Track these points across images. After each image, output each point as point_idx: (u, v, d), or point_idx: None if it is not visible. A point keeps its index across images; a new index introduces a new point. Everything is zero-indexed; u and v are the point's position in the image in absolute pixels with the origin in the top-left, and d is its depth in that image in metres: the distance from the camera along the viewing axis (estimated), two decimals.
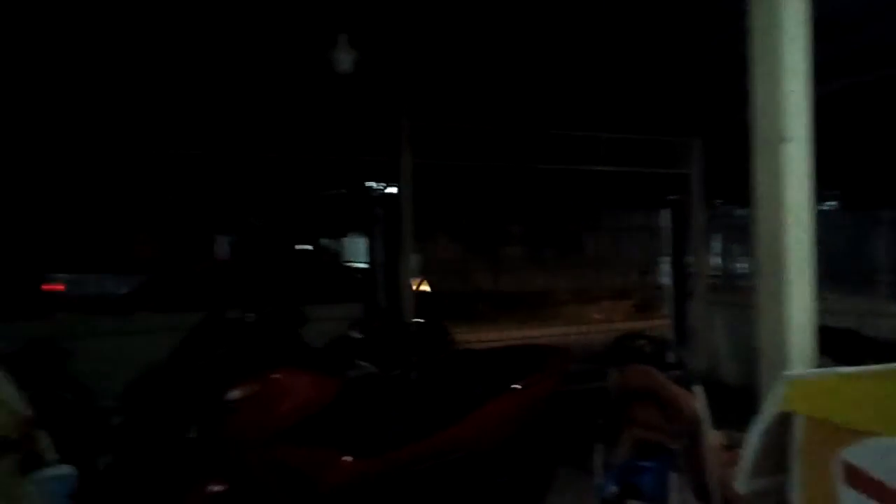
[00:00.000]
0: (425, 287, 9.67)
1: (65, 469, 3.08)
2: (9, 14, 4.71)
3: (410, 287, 7.24)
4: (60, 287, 8.17)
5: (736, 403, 2.85)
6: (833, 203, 10.36)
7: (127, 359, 5.06)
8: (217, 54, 5.78)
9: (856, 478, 2.04)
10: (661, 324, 9.54)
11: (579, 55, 6.11)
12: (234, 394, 3.72)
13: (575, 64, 6.36)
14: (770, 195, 2.92)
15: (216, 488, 3.57)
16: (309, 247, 10.27)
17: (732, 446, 2.99)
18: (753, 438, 2.40)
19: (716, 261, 10.35)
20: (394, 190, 8.07)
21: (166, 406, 3.85)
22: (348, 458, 3.91)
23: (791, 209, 2.86)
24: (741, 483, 2.43)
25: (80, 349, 4.98)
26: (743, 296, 8.27)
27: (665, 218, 9.75)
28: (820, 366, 2.64)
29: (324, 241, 11.37)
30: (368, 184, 8.80)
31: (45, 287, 7.99)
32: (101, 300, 6.89)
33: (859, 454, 2.03)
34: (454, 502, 4.35)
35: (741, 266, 9.77)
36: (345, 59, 5.19)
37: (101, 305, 6.60)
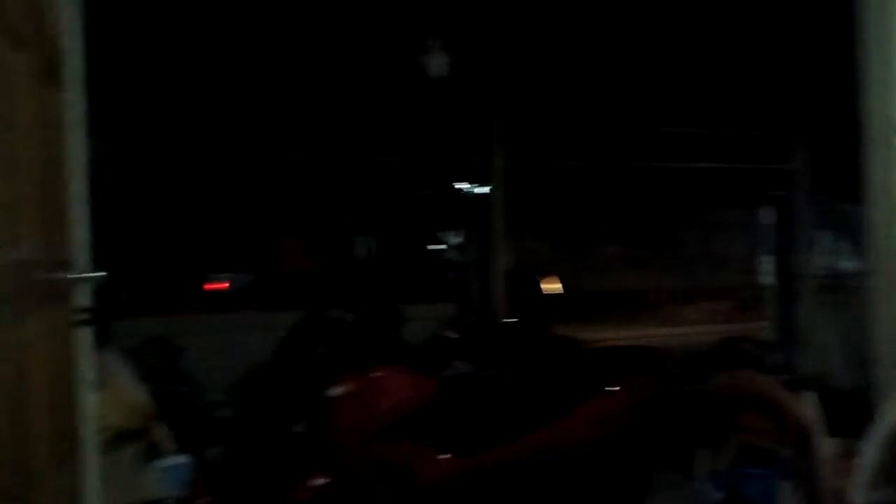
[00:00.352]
0: (556, 286, 9.50)
1: (182, 459, 3.25)
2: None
3: (503, 287, 7.24)
4: (224, 285, 8.51)
5: (848, 409, 2.71)
6: None
7: (234, 355, 5.32)
8: (319, 63, 5.97)
9: None
10: (763, 325, 9.14)
11: (677, 48, 5.95)
12: (336, 391, 3.84)
13: (673, 57, 6.20)
14: (883, 189, 2.75)
15: (320, 481, 3.70)
16: (433, 247, 10.37)
17: (847, 455, 2.85)
18: (872, 447, 2.28)
19: (822, 259, 9.84)
20: (486, 190, 8.10)
21: (273, 401, 4.01)
22: (445, 456, 3.97)
23: None
24: (859, 495, 2.31)
25: (192, 345, 5.24)
26: (853, 296, 7.83)
27: (767, 215, 9.34)
28: None
29: (420, 242, 11.54)
30: (461, 184, 8.86)
31: (208, 286, 8.39)
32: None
33: None
34: (548, 503, 4.34)
35: (850, 264, 9.24)
36: (438, 64, 5.26)
37: (213, 304, 6.94)
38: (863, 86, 2.78)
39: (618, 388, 4.44)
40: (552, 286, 8.75)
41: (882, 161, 2.73)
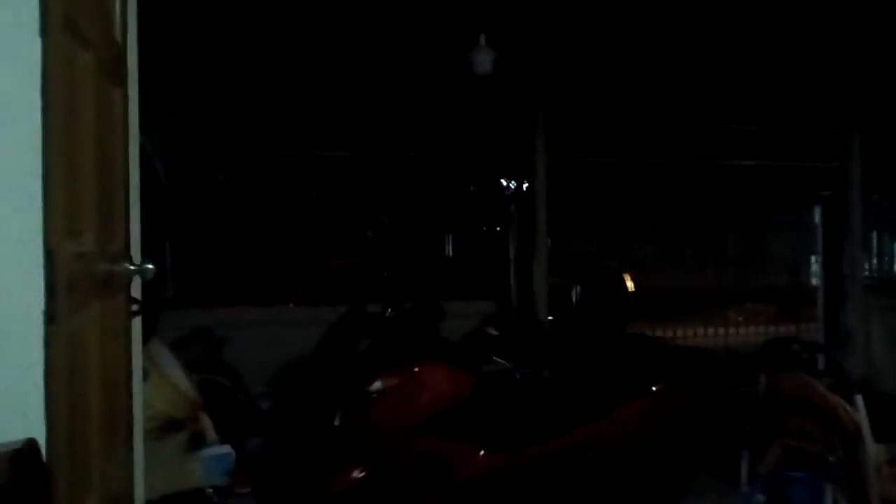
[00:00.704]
0: (630, 284, 9.50)
1: (224, 448, 3.32)
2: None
3: (544, 284, 7.21)
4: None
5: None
6: None
7: (276, 348, 5.41)
8: (366, 60, 6.03)
9: None
10: (810, 327, 8.92)
11: (727, 44, 5.85)
12: (376, 385, 3.88)
13: (721, 52, 6.10)
14: None
15: (358, 473, 3.75)
16: (475, 243, 10.41)
17: (895, 461, 2.79)
18: None
19: (873, 261, 9.58)
20: (528, 186, 8.06)
21: (313, 395, 4.07)
22: (483, 452, 3.98)
23: None
24: None
25: (236, 338, 5.34)
26: None
27: (817, 215, 9.11)
28: None
29: (463, 238, 11.54)
30: (503, 180, 8.85)
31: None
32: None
33: None
34: (586, 501, 4.32)
35: None
36: (484, 60, 5.27)
37: (255, 297, 7.05)
38: None
39: (659, 388, 4.39)
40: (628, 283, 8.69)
41: None
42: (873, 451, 2.70)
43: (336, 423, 3.86)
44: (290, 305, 7.16)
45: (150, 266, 2.05)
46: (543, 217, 7.47)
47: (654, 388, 4.39)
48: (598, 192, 9.58)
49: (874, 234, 9.67)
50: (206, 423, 3.39)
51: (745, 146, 8.38)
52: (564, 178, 8.15)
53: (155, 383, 3.05)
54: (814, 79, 6.95)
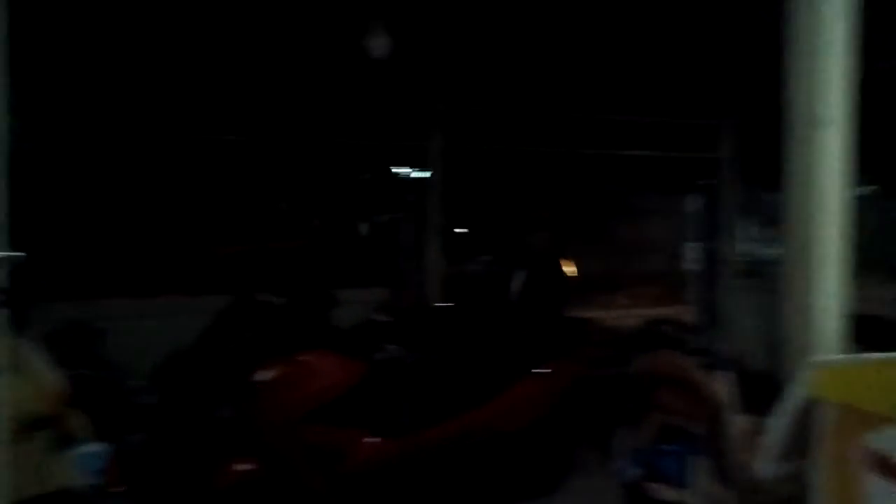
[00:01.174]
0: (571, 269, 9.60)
1: (97, 446, 3.17)
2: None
3: (438, 271, 7.27)
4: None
5: (762, 389, 2.83)
6: (874, 187, 10.14)
7: (156, 340, 5.19)
8: (257, 42, 5.83)
9: (879, 463, 2.02)
10: (688, 309, 9.45)
11: (612, 37, 6.03)
12: (263, 375, 3.80)
13: (608, 46, 6.29)
14: (802, 180, 2.85)
15: (245, 467, 3.66)
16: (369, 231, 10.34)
17: (756, 432, 2.98)
18: (777, 423, 2.40)
19: (746, 246, 10.20)
20: (424, 174, 8.08)
21: (197, 386, 3.94)
22: (374, 439, 3.98)
23: (823, 195, 2.80)
24: (764, 467, 2.43)
25: (113, 330, 5.09)
26: (771, 282, 8.16)
27: (695, 202, 9.64)
28: (849, 353, 2.61)
29: (356, 225, 11.45)
30: (399, 168, 8.82)
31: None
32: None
33: (884, 440, 2.02)
34: (478, 484, 4.41)
35: (771, 252, 9.61)
36: (380, 45, 5.19)
37: (134, 288, 6.73)
38: (788, 79, 2.85)
39: (546, 370, 4.53)
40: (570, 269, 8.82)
41: (802, 153, 2.82)
42: (736, 423, 2.88)
43: (221, 415, 3.75)
44: (174, 295, 6.88)
45: (16, 254, 1.92)
46: (438, 204, 7.53)
47: (541, 370, 4.52)
48: (494, 181, 9.73)
49: (751, 222, 10.27)
50: (78, 420, 3.21)
51: (632, 136, 8.72)
52: (461, 166, 8.23)
53: (20, 379, 2.86)
54: (693, 72, 7.29)
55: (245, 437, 3.75)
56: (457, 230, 8.93)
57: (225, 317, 4.28)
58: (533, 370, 4.53)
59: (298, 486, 3.82)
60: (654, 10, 5.40)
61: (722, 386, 2.90)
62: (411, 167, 8.65)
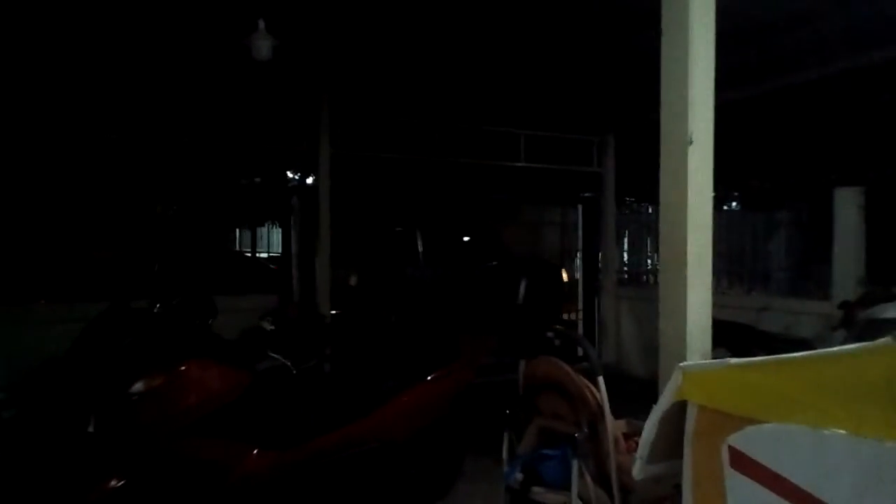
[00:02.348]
0: (565, 276, 9.83)
1: None
2: None
3: (327, 278, 7.17)
4: None
5: (641, 394, 2.97)
6: (734, 204, 10.89)
7: (22, 350, 4.84)
8: (135, 39, 5.57)
9: (740, 461, 2.16)
10: (573, 317, 9.81)
11: (500, 53, 6.19)
12: (139, 386, 3.61)
13: (496, 61, 6.44)
14: (674, 194, 3.05)
15: (116, 483, 3.46)
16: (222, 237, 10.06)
17: (633, 434, 3.12)
18: (650, 426, 2.51)
19: (626, 257, 10.70)
20: (312, 180, 7.97)
21: (64, 399, 3.69)
22: (256, 451, 3.86)
23: (692, 208, 3.00)
24: (637, 469, 2.54)
25: None
26: (649, 291, 8.58)
27: (578, 214, 10.02)
28: (716, 357, 2.77)
29: (239, 232, 11.13)
30: (286, 174, 8.65)
31: None
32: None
33: (743, 440, 2.16)
34: (367, 492, 4.37)
35: (650, 262, 10.14)
36: (263, 46, 5.07)
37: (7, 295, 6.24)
38: (662, 99, 3.06)
39: (434, 378, 4.55)
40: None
41: (675, 168, 3.02)
42: (613, 426, 3.00)
43: (90, 429, 3.53)
44: (42, 302, 6.43)
45: None
46: (327, 211, 7.43)
47: (428, 378, 4.54)
48: (384, 189, 9.73)
49: (631, 234, 10.78)
50: None
51: (521, 149, 8.95)
52: (351, 174, 8.17)
53: None
54: (577, 91, 7.59)
55: (116, 454, 3.54)
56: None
57: (98, 325, 4.04)
58: (421, 377, 4.54)
59: (176, 503, 3.65)
60: (542, 30, 5.59)
61: (601, 391, 3.00)
62: (300, 174, 8.52)
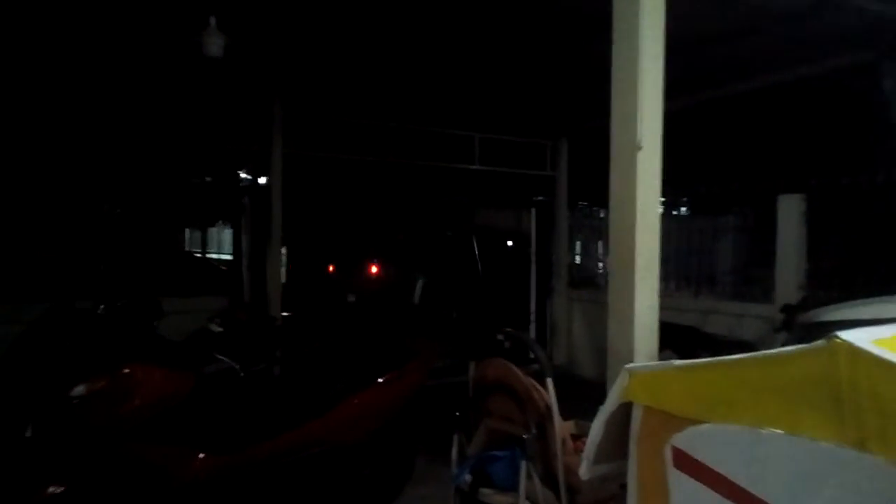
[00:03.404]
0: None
1: None
2: None
3: (278, 280, 7.09)
4: None
5: (591, 395, 3.00)
6: (683, 209, 11.09)
7: None
8: (81, 33, 5.42)
9: (682, 461, 2.21)
10: (524, 319, 9.87)
11: (456, 56, 6.21)
12: (80, 389, 3.51)
13: (451, 64, 6.46)
14: (624, 198, 3.11)
15: (56, 490, 3.35)
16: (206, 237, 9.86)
17: (580, 435, 3.15)
18: (596, 427, 2.55)
19: (578, 260, 10.80)
20: (263, 180, 7.87)
21: (1, 403, 3.56)
22: (202, 455, 3.79)
23: (641, 213, 3.06)
24: (584, 469, 2.57)
25: None
26: (600, 293, 8.70)
27: (531, 218, 10.09)
28: (662, 359, 2.82)
29: (189, 232, 10.91)
30: (237, 173, 8.51)
31: None
32: None
33: (685, 439, 2.20)
34: (316, 496, 4.32)
35: (601, 266, 10.26)
36: (214, 44, 4.98)
37: None
38: (612, 105, 3.13)
39: (385, 380, 4.53)
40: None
41: (624, 173, 3.09)
42: (561, 427, 3.03)
43: (28, 434, 3.42)
44: None
45: None
46: (279, 211, 7.35)
47: (380, 380, 4.52)
48: (336, 190, 9.65)
49: (584, 238, 10.88)
50: None
51: (476, 152, 8.99)
52: (303, 174, 8.08)
53: None
54: (532, 95, 7.66)
55: (55, 459, 3.43)
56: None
57: (39, 326, 3.91)
58: (371, 380, 4.51)
59: None
60: (497, 35, 5.62)
61: (550, 392, 3.03)
62: (251, 173, 8.39)
